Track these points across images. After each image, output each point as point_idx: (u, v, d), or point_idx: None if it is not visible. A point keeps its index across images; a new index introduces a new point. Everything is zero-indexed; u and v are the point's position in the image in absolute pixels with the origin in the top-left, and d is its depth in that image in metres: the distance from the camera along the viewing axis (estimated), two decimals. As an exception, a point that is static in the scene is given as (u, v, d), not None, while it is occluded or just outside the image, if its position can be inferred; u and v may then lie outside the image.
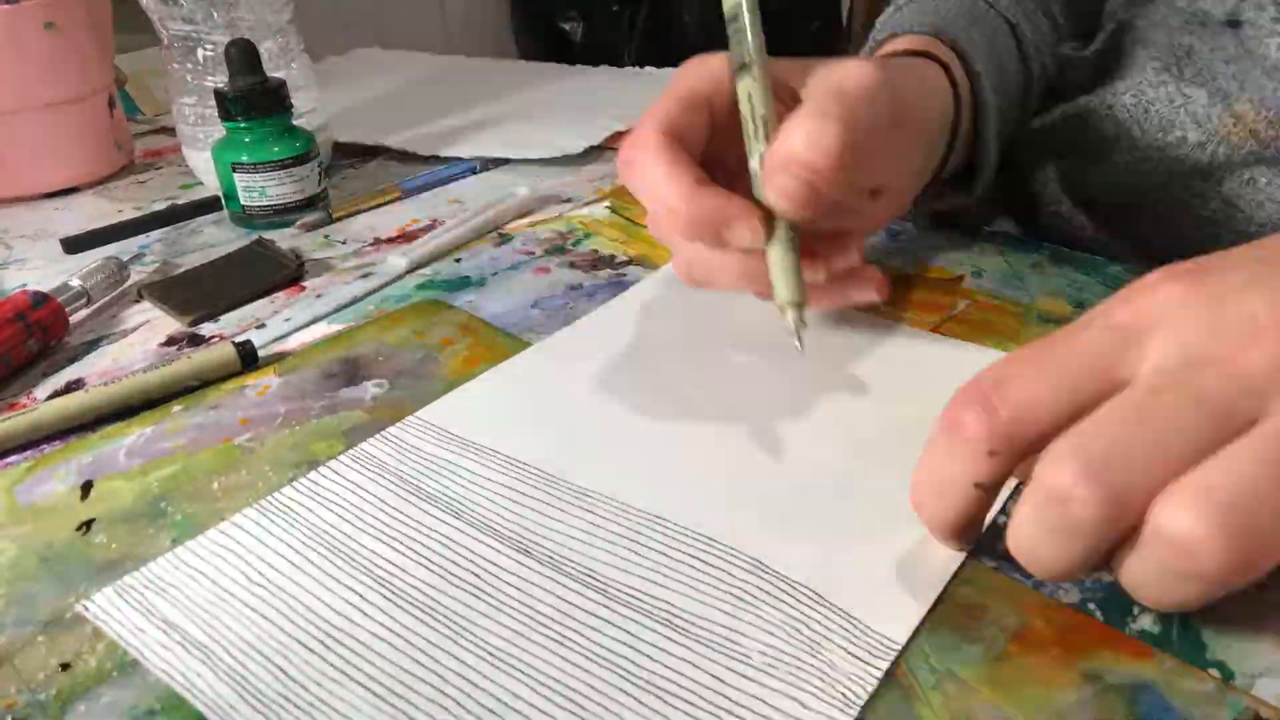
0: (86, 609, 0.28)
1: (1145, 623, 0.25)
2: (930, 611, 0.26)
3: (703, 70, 0.35)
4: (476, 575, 0.28)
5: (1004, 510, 0.29)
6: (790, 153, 0.31)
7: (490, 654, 0.25)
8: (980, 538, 0.28)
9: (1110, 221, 0.49)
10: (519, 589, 0.27)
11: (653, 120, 0.34)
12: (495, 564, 0.28)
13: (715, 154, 0.35)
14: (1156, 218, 0.47)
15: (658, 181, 0.33)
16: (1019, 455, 0.24)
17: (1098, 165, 0.48)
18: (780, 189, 0.31)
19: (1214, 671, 0.24)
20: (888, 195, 0.38)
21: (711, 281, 0.37)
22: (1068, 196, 0.50)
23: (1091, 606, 0.26)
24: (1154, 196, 0.47)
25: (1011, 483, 0.26)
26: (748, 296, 0.39)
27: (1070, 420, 0.23)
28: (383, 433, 0.34)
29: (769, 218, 0.32)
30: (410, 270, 0.48)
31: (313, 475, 0.33)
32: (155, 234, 0.55)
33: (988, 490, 0.25)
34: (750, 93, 0.33)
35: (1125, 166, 0.47)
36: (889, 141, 0.35)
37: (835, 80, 0.33)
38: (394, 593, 0.27)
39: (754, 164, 0.33)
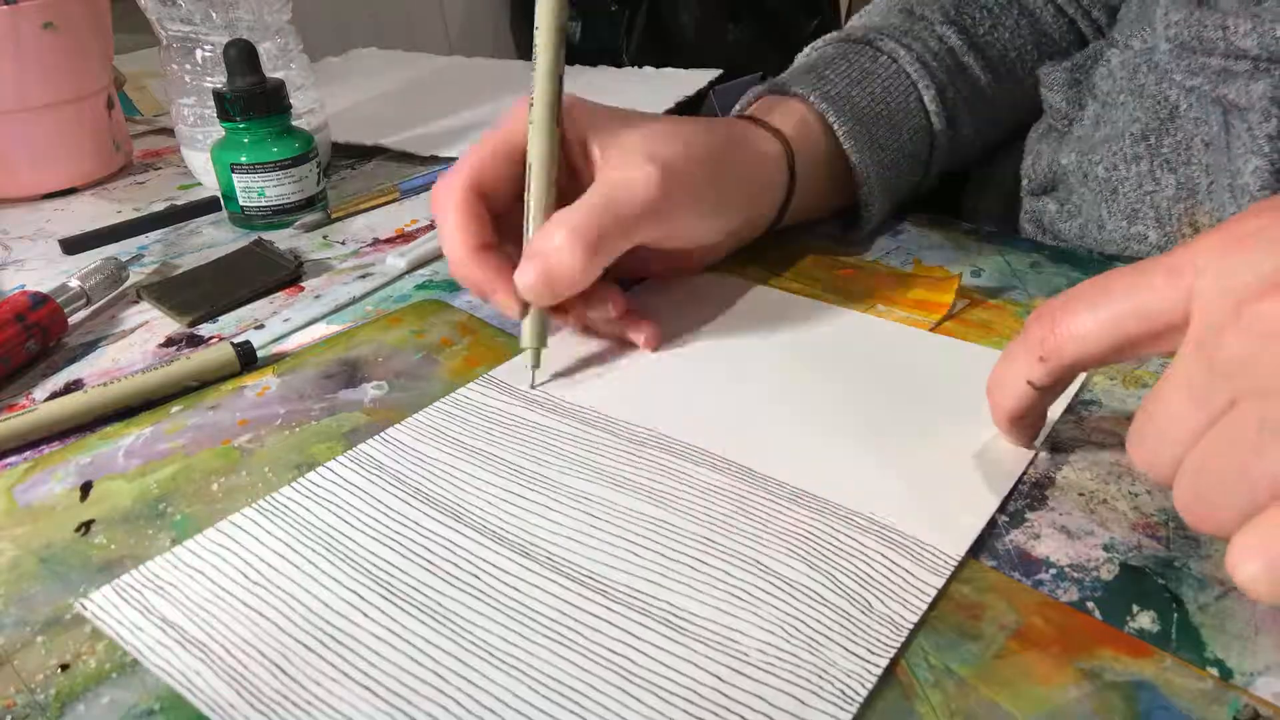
0: (84, 607, 0.28)
1: (1144, 621, 0.25)
2: (930, 610, 0.26)
3: (520, 114, 0.38)
4: (476, 576, 0.28)
5: (1004, 511, 0.30)
6: (541, 252, 0.36)
7: (490, 654, 0.25)
8: (1032, 445, 0.32)
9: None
10: (519, 590, 0.27)
11: (462, 169, 0.38)
12: (495, 565, 0.28)
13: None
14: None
15: (446, 234, 0.38)
16: (1064, 369, 0.28)
17: (1066, 224, 0.48)
18: (522, 279, 0.36)
19: (1213, 670, 0.24)
20: (695, 253, 0.43)
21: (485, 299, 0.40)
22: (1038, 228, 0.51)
23: (1090, 605, 0.26)
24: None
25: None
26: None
27: (1114, 353, 0.26)
28: (381, 434, 0.34)
29: None
30: (409, 270, 0.48)
31: (311, 476, 0.33)
32: (154, 235, 0.55)
33: (1039, 390, 0.29)
34: (530, 140, 0.37)
35: (1089, 242, 0.47)
36: (682, 217, 0.39)
37: (613, 188, 0.37)
38: (393, 593, 0.27)
39: (527, 214, 0.38)
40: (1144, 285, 0.25)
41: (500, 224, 0.39)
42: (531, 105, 0.37)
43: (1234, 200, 0.40)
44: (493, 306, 0.38)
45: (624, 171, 0.37)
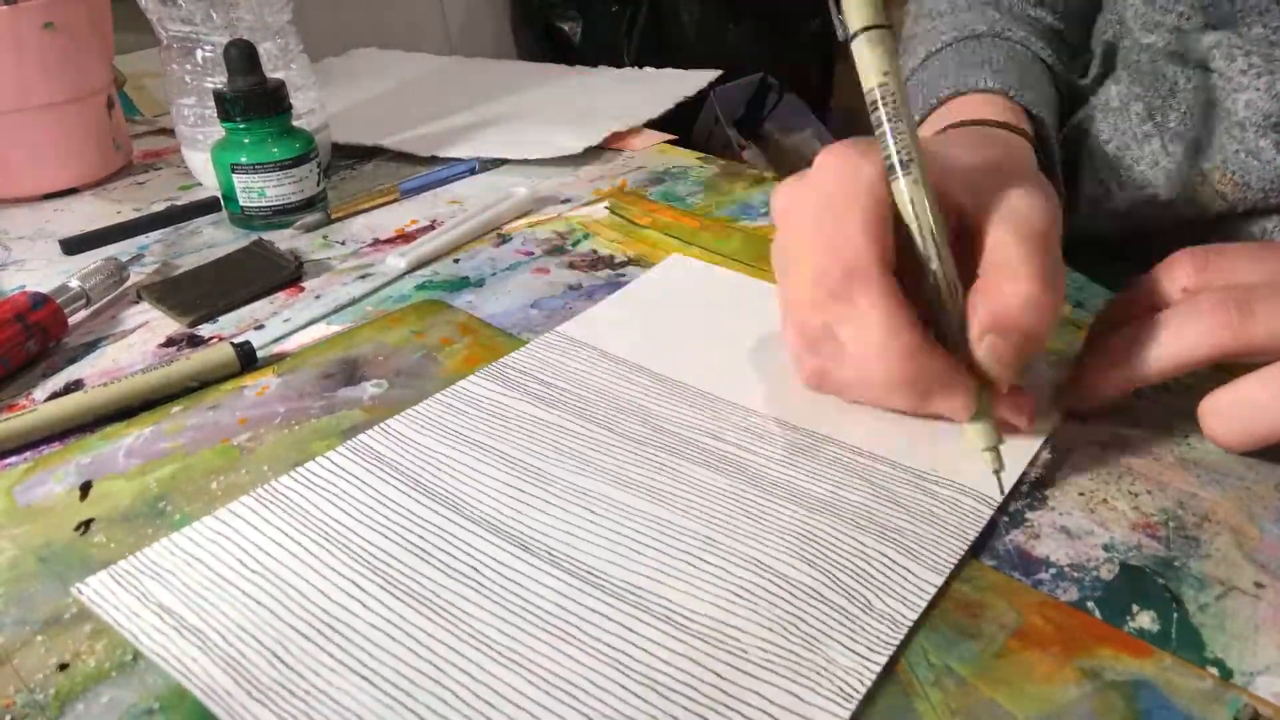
0: (80, 592, 0.28)
1: (1144, 621, 0.25)
2: (929, 609, 0.26)
3: (861, 177, 0.31)
4: (475, 569, 0.28)
5: (1004, 511, 0.30)
6: (1005, 316, 0.29)
7: (488, 646, 0.25)
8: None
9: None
10: (518, 584, 0.27)
11: (872, 251, 0.30)
12: (494, 559, 0.28)
13: None
14: (1140, 254, 0.48)
15: (878, 331, 0.30)
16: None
17: (1076, 208, 0.48)
18: (996, 355, 0.30)
19: (1213, 669, 0.24)
20: None
21: (842, 393, 0.34)
22: None
23: (1090, 605, 0.26)
24: (1123, 239, 0.47)
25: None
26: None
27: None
28: (380, 425, 0.34)
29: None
30: (409, 271, 0.48)
31: (310, 465, 0.33)
32: (154, 235, 0.55)
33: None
34: (912, 198, 0.30)
35: (1098, 212, 0.47)
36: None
37: (1024, 219, 0.30)
38: (392, 584, 0.27)
39: (940, 288, 0.30)
40: None
41: None
42: (904, 160, 0.30)
43: (1235, 140, 0.41)
44: (931, 405, 0.31)
45: (1019, 202, 0.31)
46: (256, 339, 0.42)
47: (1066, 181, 0.49)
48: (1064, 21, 0.52)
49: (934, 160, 0.31)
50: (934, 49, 0.49)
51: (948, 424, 0.33)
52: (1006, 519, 0.29)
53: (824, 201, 0.31)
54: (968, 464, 0.31)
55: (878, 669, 0.24)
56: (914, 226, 0.30)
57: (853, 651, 0.25)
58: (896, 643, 0.25)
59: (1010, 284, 0.29)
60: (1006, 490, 0.30)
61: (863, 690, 0.23)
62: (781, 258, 0.33)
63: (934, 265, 0.30)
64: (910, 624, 0.25)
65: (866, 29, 0.31)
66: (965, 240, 0.31)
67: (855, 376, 0.32)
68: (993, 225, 0.30)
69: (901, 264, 0.30)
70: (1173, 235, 0.46)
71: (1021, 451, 0.32)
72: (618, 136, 0.65)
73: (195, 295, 0.46)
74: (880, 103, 0.31)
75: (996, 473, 0.30)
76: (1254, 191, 0.41)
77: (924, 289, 0.31)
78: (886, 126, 0.30)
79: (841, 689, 0.24)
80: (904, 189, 0.30)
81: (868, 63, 0.31)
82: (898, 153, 0.30)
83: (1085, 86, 0.50)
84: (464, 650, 0.25)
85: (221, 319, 0.45)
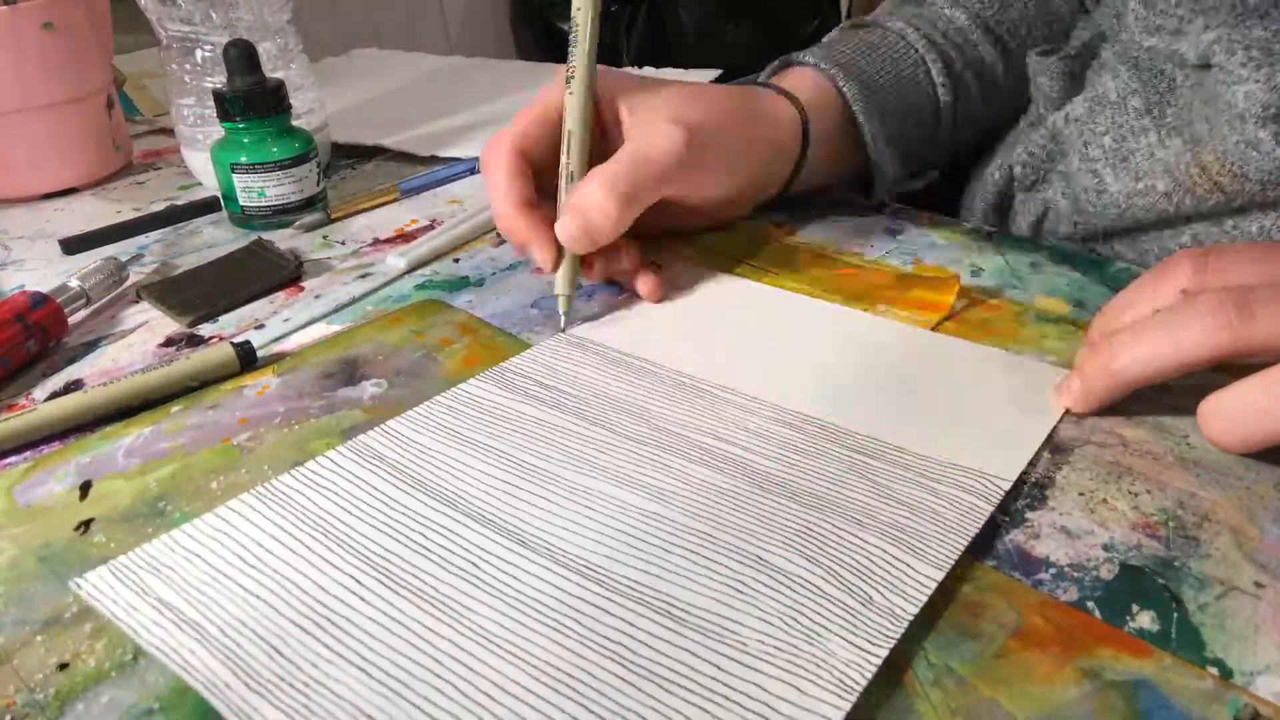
0: (79, 586, 0.28)
1: (1144, 621, 0.25)
2: (930, 609, 0.26)
3: (557, 85, 0.42)
4: (474, 564, 0.28)
5: (1004, 511, 0.30)
6: (579, 205, 0.40)
7: (487, 640, 0.25)
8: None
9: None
10: (517, 578, 0.27)
11: (509, 133, 0.42)
12: (492, 553, 0.28)
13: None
14: (1121, 249, 0.49)
15: (493, 190, 0.42)
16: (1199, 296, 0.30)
17: (1063, 191, 0.49)
18: (563, 229, 0.40)
19: (1213, 669, 0.24)
20: (713, 208, 0.46)
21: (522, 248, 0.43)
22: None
23: (1090, 605, 0.26)
24: (1119, 233, 0.48)
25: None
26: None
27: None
28: (381, 426, 0.34)
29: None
30: (409, 270, 0.48)
31: (310, 464, 0.33)
32: (154, 235, 0.55)
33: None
34: (566, 106, 0.41)
35: (1092, 207, 0.47)
36: (705, 174, 0.43)
37: (643, 146, 0.40)
38: (390, 579, 0.27)
39: (562, 176, 0.42)
40: None
41: (539, 184, 0.42)
42: (570, 76, 0.41)
43: (1234, 131, 0.41)
44: (528, 256, 0.42)
45: (652, 131, 0.41)
46: (256, 339, 0.42)
47: (1060, 170, 0.50)
48: (1000, 13, 0.53)
49: (612, 81, 0.43)
50: (830, 34, 0.54)
51: (954, 416, 0.33)
52: (1007, 519, 0.29)
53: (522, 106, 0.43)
54: (970, 453, 0.31)
55: (878, 662, 0.24)
56: (564, 126, 0.42)
57: (853, 645, 0.25)
58: (897, 637, 0.25)
59: (591, 184, 0.39)
60: (566, 330, 0.41)
61: (862, 683, 0.23)
62: None
63: (563, 158, 0.42)
64: (910, 618, 0.25)
65: None
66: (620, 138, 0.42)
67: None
68: (625, 143, 0.41)
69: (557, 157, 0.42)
70: (1168, 227, 0.46)
71: (1022, 451, 0.32)
72: (617, 136, 0.64)
73: (195, 295, 0.46)
74: (571, 30, 0.41)
75: (563, 313, 0.41)
76: (1252, 183, 0.41)
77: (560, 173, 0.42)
78: (572, 50, 0.41)
79: (841, 682, 0.24)
80: (563, 98, 0.42)
81: None
82: (568, 70, 0.41)
83: (1054, 64, 0.50)
84: (462, 643, 0.25)
85: (221, 319, 0.45)
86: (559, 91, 0.42)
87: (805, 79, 0.49)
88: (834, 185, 0.52)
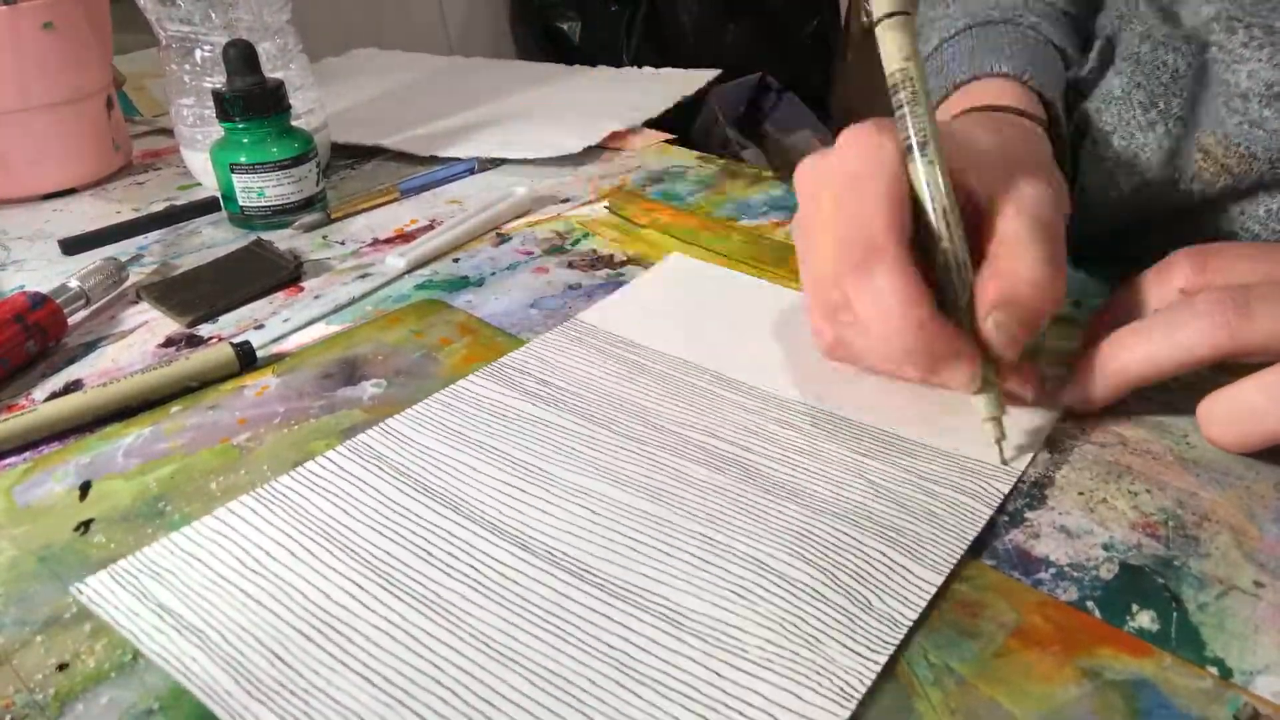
0: (79, 591, 0.28)
1: (1144, 620, 0.25)
2: (929, 609, 0.26)
3: (882, 157, 0.32)
4: (474, 568, 0.28)
5: (1004, 510, 0.30)
6: (1011, 294, 0.31)
7: (488, 645, 0.25)
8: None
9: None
10: (517, 583, 0.27)
11: (891, 227, 0.31)
12: (494, 558, 0.28)
13: None
14: (1140, 248, 0.48)
15: (892, 304, 0.31)
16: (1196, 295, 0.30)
17: (1079, 199, 0.49)
18: (1000, 327, 0.31)
19: (1212, 669, 0.24)
20: None
21: (859, 361, 0.35)
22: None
23: (1090, 604, 0.26)
24: (1135, 232, 0.47)
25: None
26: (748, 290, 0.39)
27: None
28: (380, 425, 0.34)
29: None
30: (409, 270, 0.48)
31: (309, 465, 0.33)
32: (154, 235, 0.55)
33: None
34: (928, 179, 0.32)
35: (1106, 206, 0.47)
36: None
37: (1032, 204, 0.32)
38: (391, 583, 0.27)
39: (952, 267, 0.32)
40: None
41: None
42: (920, 143, 0.32)
43: (1237, 112, 0.41)
44: (939, 375, 0.32)
45: (1027, 190, 0.33)
46: (256, 339, 0.42)
47: (1069, 167, 0.49)
48: (1075, 7, 0.52)
49: (949, 143, 0.32)
50: (948, 35, 0.50)
51: (953, 410, 0.33)
52: (1006, 518, 0.29)
53: (846, 179, 0.32)
54: (971, 444, 0.32)
55: (877, 668, 0.24)
56: (928, 205, 0.32)
57: (852, 651, 0.25)
58: (896, 642, 0.25)
59: (1017, 264, 0.31)
60: (1008, 464, 0.31)
61: (862, 690, 0.23)
62: (803, 233, 0.35)
63: (945, 244, 0.32)
64: (910, 624, 0.25)
65: (890, 15, 0.32)
66: (975, 221, 0.33)
67: (870, 346, 0.33)
68: (1002, 208, 0.32)
69: (915, 241, 0.32)
70: (1176, 223, 0.46)
71: (1022, 451, 0.32)
72: (617, 136, 0.64)
73: (194, 295, 0.46)
74: (900, 86, 0.32)
75: (998, 442, 0.31)
76: (1260, 162, 0.41)
77: (935, 266, 0.32)
78: (906, 110, 0.32)
79: (841, 688, 0.24)
80: (920, 170, 0.32)
81: (891, 48, 0.33)
82: (916, 135, 0.32)
83: (1083, 78, 0.50)
84: (463, 649, 0.25)
85: (221, 319, 0.45)
86: (894, 161, 0.32)
87: (1026, 98, 0.43)
88: None
